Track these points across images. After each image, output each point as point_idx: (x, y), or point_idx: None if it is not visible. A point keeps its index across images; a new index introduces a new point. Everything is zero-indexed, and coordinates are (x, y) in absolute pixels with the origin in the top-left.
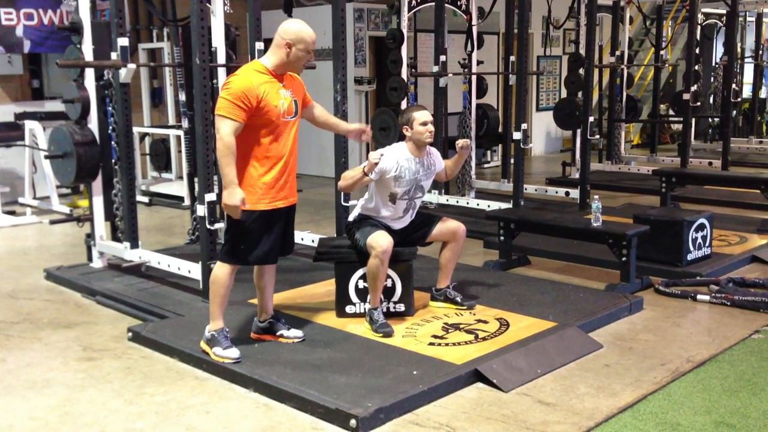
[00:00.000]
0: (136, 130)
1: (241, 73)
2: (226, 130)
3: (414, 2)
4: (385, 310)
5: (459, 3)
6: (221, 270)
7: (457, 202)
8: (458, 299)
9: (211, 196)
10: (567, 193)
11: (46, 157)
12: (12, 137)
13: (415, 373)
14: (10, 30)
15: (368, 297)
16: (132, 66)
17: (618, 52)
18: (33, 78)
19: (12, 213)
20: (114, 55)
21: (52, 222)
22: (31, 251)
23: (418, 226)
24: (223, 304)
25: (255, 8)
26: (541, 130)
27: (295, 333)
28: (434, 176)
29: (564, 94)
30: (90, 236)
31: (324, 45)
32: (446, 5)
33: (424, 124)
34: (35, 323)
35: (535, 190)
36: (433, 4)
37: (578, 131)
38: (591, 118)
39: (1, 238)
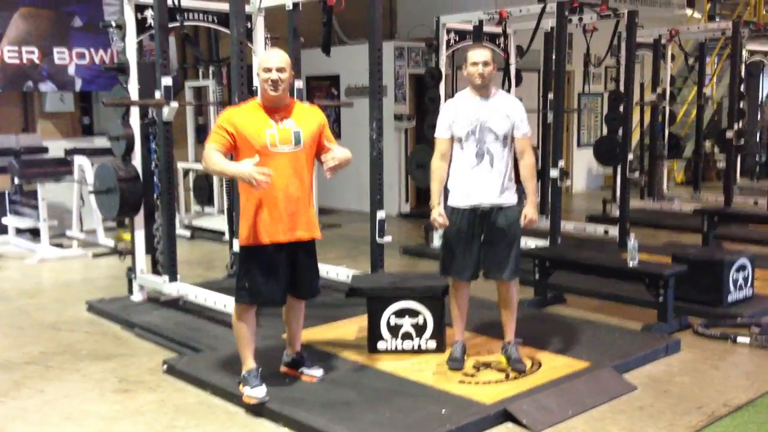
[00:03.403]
0: (180, 165)
1: (232, 106)
2: (204, 153)
3: (452, 41)
4: (417, 347)
5: (497, 41)
6: (236, 311)
7: None
8: (513, 357)
9: None
10: (606, 231)
11: (91, 192)
12: (61, 172)
13: (443, 411)
14: (63, 69)
15: None
16: (174, 105)
17: (659, 90)
18: (84, 115)
19: (59, 245)
20: (157, 94)
21: (95, 255)
22: (75, 283)
23: (497, 245)
24: (249, 344)
25: (295, 47)
26: (583, 167)
27: (314, 372)
28: (511, 128)
29: (606, 131)
30: (131, 269)
31: (365, 83)
32: (486, 44)
33: (474, 64)
34: (75, 354)
35: (573, 227)
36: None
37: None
38: (630, 156)
39: (49, 270)
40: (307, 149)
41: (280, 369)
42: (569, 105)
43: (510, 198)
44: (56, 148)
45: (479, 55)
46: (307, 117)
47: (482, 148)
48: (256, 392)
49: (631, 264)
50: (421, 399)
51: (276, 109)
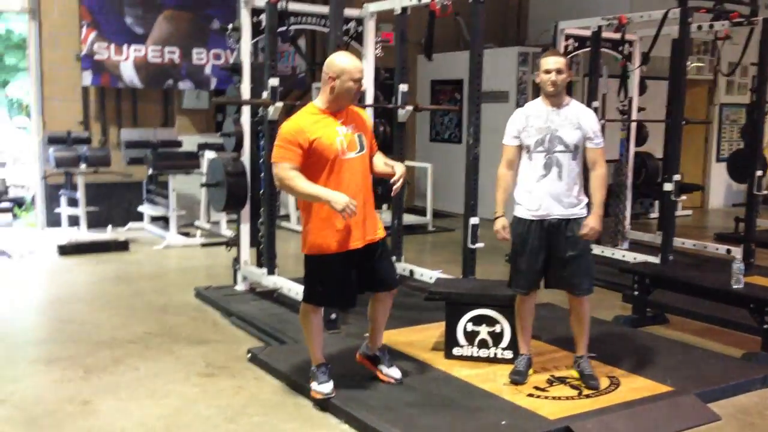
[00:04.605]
0: None
1: (292, 117)
2: (282, 174)
3: (571, 47)
4: (492, 355)
5: (621, 48)
6: (304, 310)
7: (602, 252)
8: (585, 372)
9: None
10: (728, 251)
11: (202, 185)
12: (191, 165)
13: (503, 423)
14: (200, 68)
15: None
16: (279, 104)
17: None
18: (217, 112)
19: (186, 234)
20: (264, 95)
21: (204, 245)
22: (192, 270)
23: (565, 249)
24: (317, 341)
25: (400, 51)
26: (721, 182)
27: (393, 373)
28: (582, 139)
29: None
30: (236, 260)
31: (488, 87)
32: (606, 51)
33: (547, 72)
34: (174, 337)
35: (694, 245)
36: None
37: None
38: (759, 172)
39: (173, 256)
40: (368, 152)
41: (356, 356)
42: (708, 116)
43: (579, 211)
44: (191, 142)
45: (552, 63)
46: (362, 120)
47: (551, 159)
48: (322, 388)
49: (735, 287)
50: (485, 408)
51: (339, 114)
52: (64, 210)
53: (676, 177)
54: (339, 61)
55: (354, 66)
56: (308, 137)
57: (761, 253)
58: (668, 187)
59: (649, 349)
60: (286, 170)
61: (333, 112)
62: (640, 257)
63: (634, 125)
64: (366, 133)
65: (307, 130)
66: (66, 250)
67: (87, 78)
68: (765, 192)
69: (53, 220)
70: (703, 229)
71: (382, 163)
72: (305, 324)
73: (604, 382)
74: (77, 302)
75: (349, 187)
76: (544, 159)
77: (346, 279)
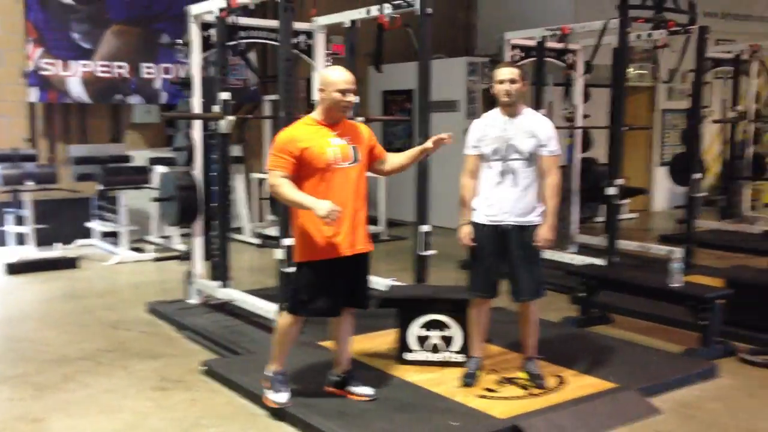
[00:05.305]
0: (256, 176)
1: (289, 127)
2: (273, 181)
3: (517, 57)
4: (444, 359)
5: (565, 57)
6: (285, 320)
7: (551, 255)
8: (533, 373)
9: (289, 241)
10: (671, 252)
11: (154, 199)
12: (141, 180)
13: (454, 424)
14: (150, 83)
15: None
16: (231, 118)
17: (741, 107)
18: (168, 127)
19: (138, 250)
20: (216, 108)
21: (157, 260)
22: (144, 285)
23: (517, 257)
24: (285, 350)
25: (351, 64)
26: (664, 186)
27: (365, 390)
28: (537, 147)
29: None
30: (189, 274)
31: (439, 97)
32: (551, 60)
33: (501, 82)
34: (126, 352)
35: (638, 246)
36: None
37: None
38: (698, 175)
39: (123, 272)
40: (363, 164)
41: (325, 389)
42: (650, 121)
43: (533, 218)
44: (141, 157)
45: (505, 73)
46: (358, 133)
47: (507, 167)
48: (278, 397)
49: (674, 286)
50: (437, 410)
51: (334, 126)
52: (12, 228)
53: (619, 181)
54: (327, 74)
55: (339, 78)
56: (299, 146)
57: (701, 252)
58: (611, 191)
59: (595, 348)
60: (276, 177)
61: (329, 123)
62: (587, 260)
63: (579, 132)
64: (362, 146)
65: (299, 139)
66: (14, 269)
67: (33, 94)
68: (704, 194)
69: (0, 239)
70: (647, 231)
71: (402, 156)
72: (281, 334)
73: (551, 381)
74: (26, 321)
75: (339, 195)
76: (501, 167)
77: (332, 286)
